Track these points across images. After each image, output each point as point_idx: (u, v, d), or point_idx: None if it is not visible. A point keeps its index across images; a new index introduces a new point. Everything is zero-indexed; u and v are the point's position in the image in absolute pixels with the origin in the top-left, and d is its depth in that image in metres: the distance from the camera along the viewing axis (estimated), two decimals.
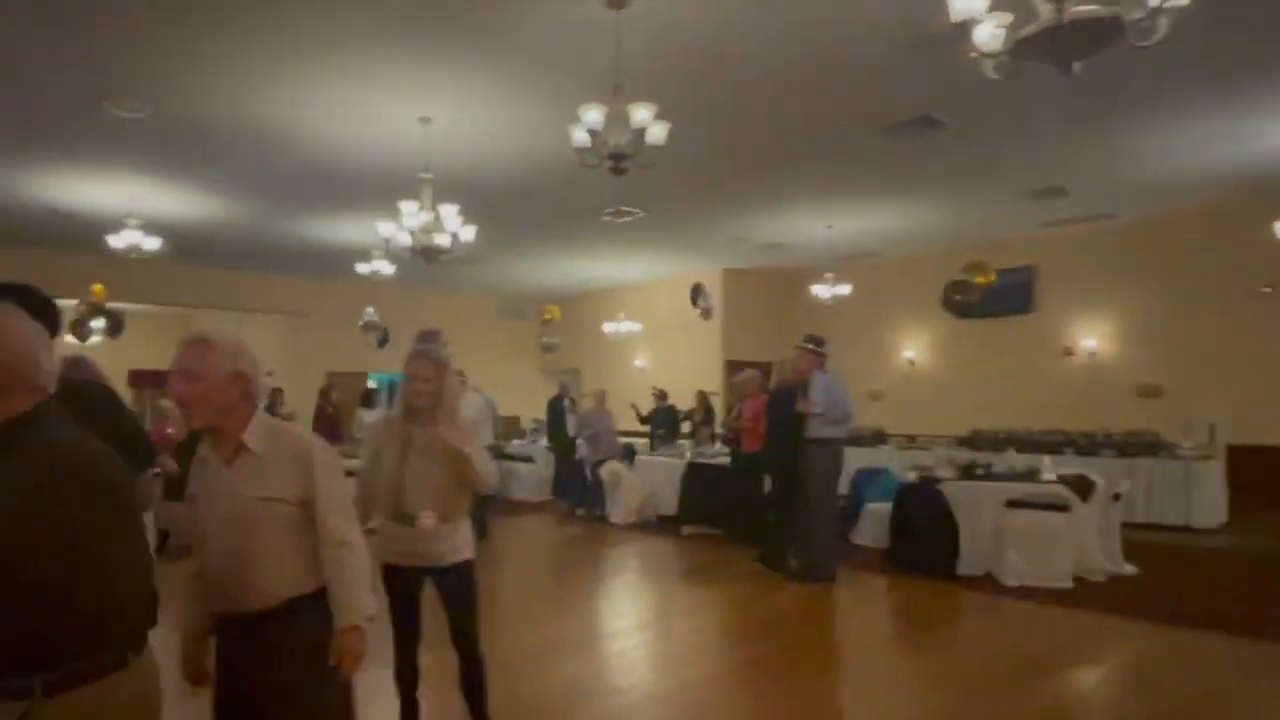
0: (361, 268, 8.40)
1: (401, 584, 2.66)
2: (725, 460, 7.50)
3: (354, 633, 1.85)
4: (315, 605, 1.85)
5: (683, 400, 10.50)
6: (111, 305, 9.40)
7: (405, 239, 6.12)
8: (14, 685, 1.34)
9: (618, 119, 4.25)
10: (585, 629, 4.74)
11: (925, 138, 6.10)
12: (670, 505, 8.06)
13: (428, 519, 2.55)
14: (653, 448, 9.45)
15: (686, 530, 7.70)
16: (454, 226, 6.09)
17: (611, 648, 4.33)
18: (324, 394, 10.85)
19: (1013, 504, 5.59)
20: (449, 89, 5.14)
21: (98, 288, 8.92)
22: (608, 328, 12.16)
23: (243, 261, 10.72)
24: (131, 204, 7.49)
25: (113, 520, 1.44)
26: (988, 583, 5.46)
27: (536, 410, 11.70)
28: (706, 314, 11.96)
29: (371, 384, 11.73)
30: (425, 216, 6.03)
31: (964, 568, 5.60)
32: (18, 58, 4.66)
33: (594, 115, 4.20)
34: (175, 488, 5.91)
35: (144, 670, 1.51)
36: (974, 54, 3.03)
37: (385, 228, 6.18)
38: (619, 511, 8.42)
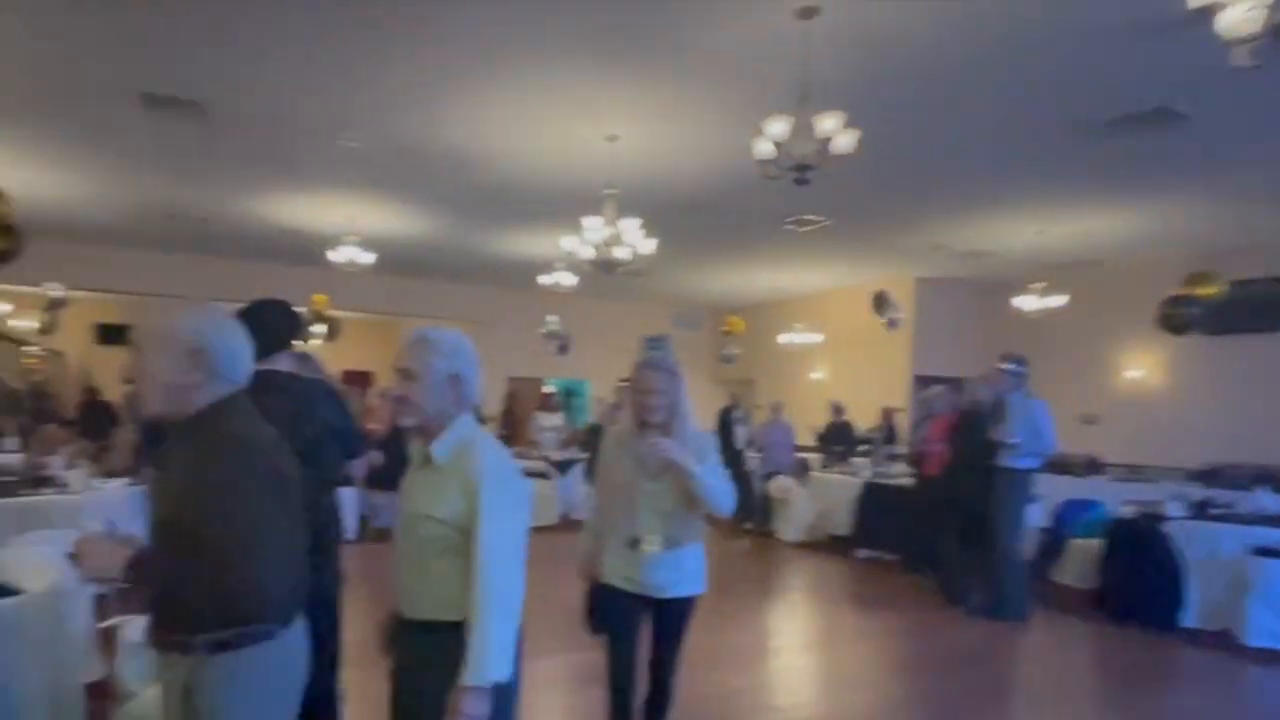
0: (543, 279, 8.96)
1: (622, 610, 2.54)
2: (907, 482, 7.20)
3: (470, 694, 1.65)
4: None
5: (864, 416, 10.16)
6: (330, 313, 10.71)
7: (587, 252, 6.48)
8: (184, 641, 1.62)
9: (803, 129, 4.26)
10: (747, 643, 4.74)
11: (1157, 132, 5.52)
12: (843, 525, 7.85)
13: (649, 544, 2.45)
14: (827, 464, 9.25)
15: (861, 553, 7.46)
16: (634, 240, 6.36)
17: (773, 665, 4.32)
18: (511, 398, 11.75)
19: (1262, 552, 4.91)
20: (637, 107, 5.39)
21: (320, 297, 10.20)
22: (784, 339, 12.04)
23: (438, 272, 11.79)
24: (349, 223, 8.51)
25: (272, 505, 1.64)
26: (1222, 640, 4.84)
27: (709, 422, 11.84)
28: (893, 324, 11.49)
29: (550, 388, 12.42)
30: (607, 231, 6.35)
31: (1190, 620, 5.02)
32: (274, 102, 5.49)
33: (779, 127, 4.24)
34: (377, 478, 6.66)
35: (290, 644, 1.72)
36: (1221, 41, 2.76)
37: (568, 242, 6.58)
38: (788, 528, 8.32)
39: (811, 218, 8.20)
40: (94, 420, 8.83)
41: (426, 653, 1.75)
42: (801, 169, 4.37)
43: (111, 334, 12.65)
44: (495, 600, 1.69)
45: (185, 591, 1.59)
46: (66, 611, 2.94)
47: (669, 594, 2.51)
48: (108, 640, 3.06)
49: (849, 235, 8.90)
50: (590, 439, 9.49)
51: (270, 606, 1.65)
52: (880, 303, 11.54)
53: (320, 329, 10.59)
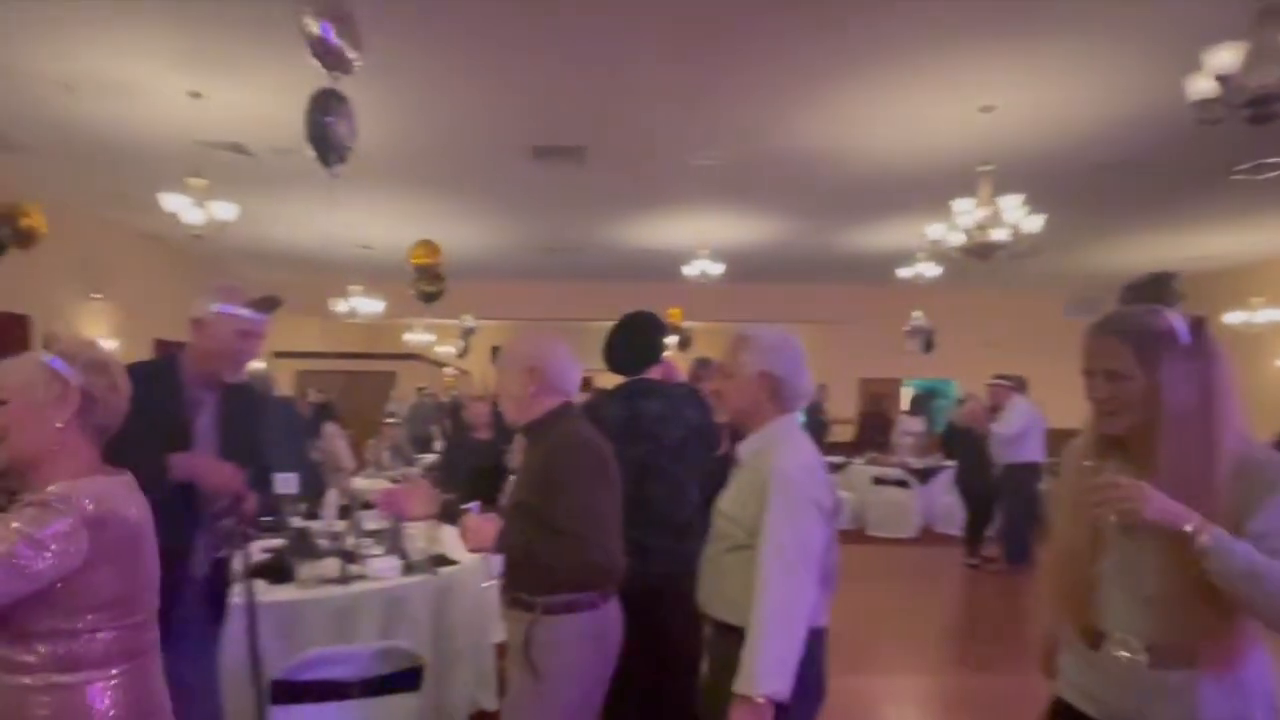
0: (902, 272, 8.53)
1: None
2: None
3: (741, 703, 1.61)
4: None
5: None
6: (684, 324, 11.43)
7: (957, 238, 5.99)
8: (526, 600, 2.01)
9: (1265, 52, 3.42)
10: None
11: None
12: None
13: (1122, 647, 1.45)
14: None
15: None
16: (1016, 218, 5.72)
17: None
18: (874, 400, 11.45)
19: None
20: (1014, 73, 4.85)
21: (675, 311, 10.94)
22: (1233, 318, 9.90)
23: (785, 276, 11.91)
24: (700, 237, 8.97)
25: (598, 494, 2.00)
26: None
27: None
28: None
29: (916, 390, 11.79)
30: (981, 212, 5.81)
31: None
32: (641, 135, 5.99)
33: (1226, 57, 3.47)
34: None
35: (608, 615, 2.06)
36: None
37: (934, 229, 6.15)
38: None
39: (1276, 160, 6.62)
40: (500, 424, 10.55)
41: (720, 653, 1.79)
42: (1261, 102, 3.53)
43: None
44: (770, 609, 1.64)
45: (528, 561, 1.98)
46: (481, 579, 3.37)
47: None
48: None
49: None
50: (948, 444, 8.78)
51: (595, 580, 2.00)
52: None
53: (672, 340, 11.36)
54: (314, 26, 2.93)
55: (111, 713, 1.43)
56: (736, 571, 1.74)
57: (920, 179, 6.89)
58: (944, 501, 8.52)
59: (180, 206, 5.77)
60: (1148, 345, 1.43)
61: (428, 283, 8.13)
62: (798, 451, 1.81)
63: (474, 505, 2.24)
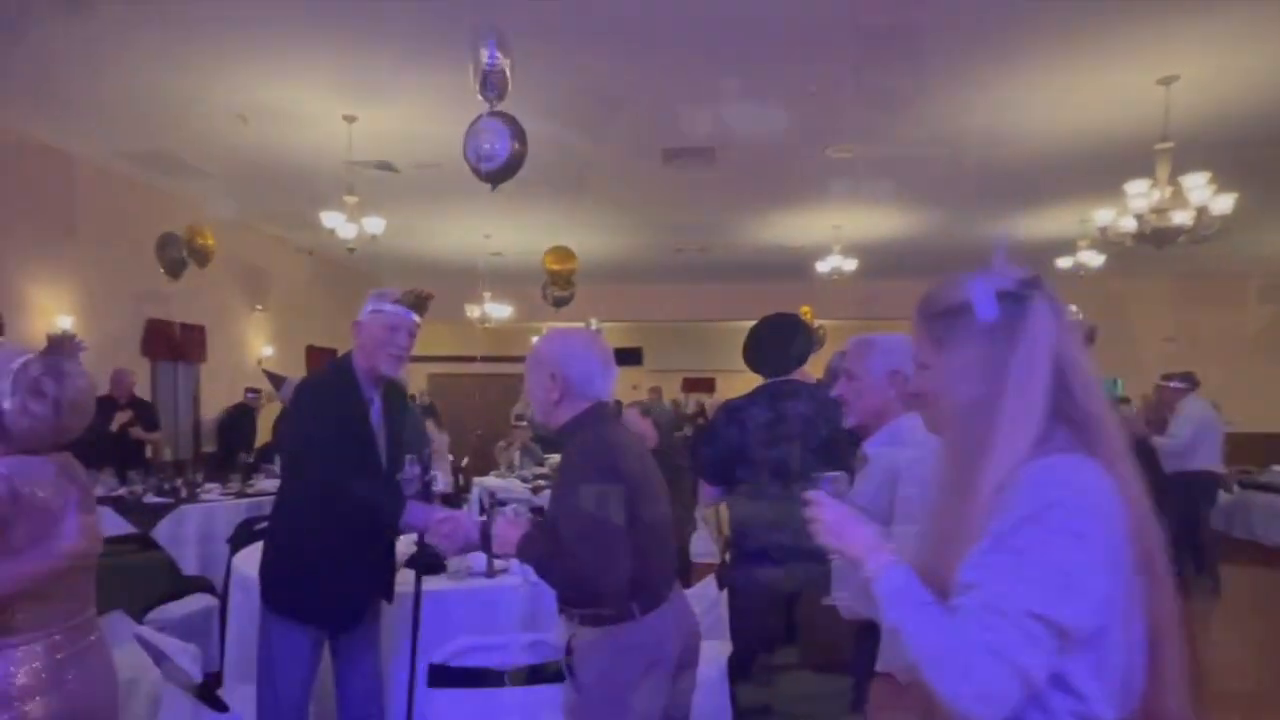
0: (1061, 262, 8.04)
1: None
2: None
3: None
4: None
5: None
6: (815, 323, 11.22)
7: (1128, 224, 5.60)
8: (565, 609, 2.01)
9: None
10: None
11: None
12: None
13: None
14: None
15: None
16: (1202, 198, 5.27)
17: None
18: None
19: None
20: (1197, 40, 4.48)
21: (805, 309, 10.75)
22: None
23: (920, 271, 11.43)
24: (835, 232, 8.79)
25: (603, 505, 1.88)
26: None
27: None
28: None
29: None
30: (1157, 194, 5.39)
31: None
32: (772, 130, 5.93)
33: None
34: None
35: (651, 626, 1.96)
36: None
37: (1103, 215, 5.78)
38: None
39: None
40: None
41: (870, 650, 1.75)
42: None
43: (628, 356, 15.30)
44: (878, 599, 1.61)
45: (542, 573, 1.98)
46: None
47: None
48: None
49: None
50: None
51: (609, 591, 1.89)
52: None
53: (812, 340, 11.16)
54: (484, 53, 3.08)
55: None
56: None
57: (1084, 161, 6.46)
58: None
59: (336, 222, 6.20)
60: (940, 327, 1.19)
61: (560, 287, 8.37)
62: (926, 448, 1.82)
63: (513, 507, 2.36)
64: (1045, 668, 0.97)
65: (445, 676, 2.33)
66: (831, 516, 1.25)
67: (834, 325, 13.60)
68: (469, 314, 10.74)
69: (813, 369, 3.08)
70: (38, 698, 1.73)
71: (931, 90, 5.22)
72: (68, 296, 6.40)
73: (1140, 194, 5.39)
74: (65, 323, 6.22)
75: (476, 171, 3.61)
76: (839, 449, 2.75)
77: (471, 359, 13.83)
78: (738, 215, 8.54)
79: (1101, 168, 6.32)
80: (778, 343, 2.90)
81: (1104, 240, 6.26)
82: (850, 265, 8.90)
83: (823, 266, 8.95)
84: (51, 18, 4.11)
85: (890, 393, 1.88)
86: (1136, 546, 1.03)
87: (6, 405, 1.75)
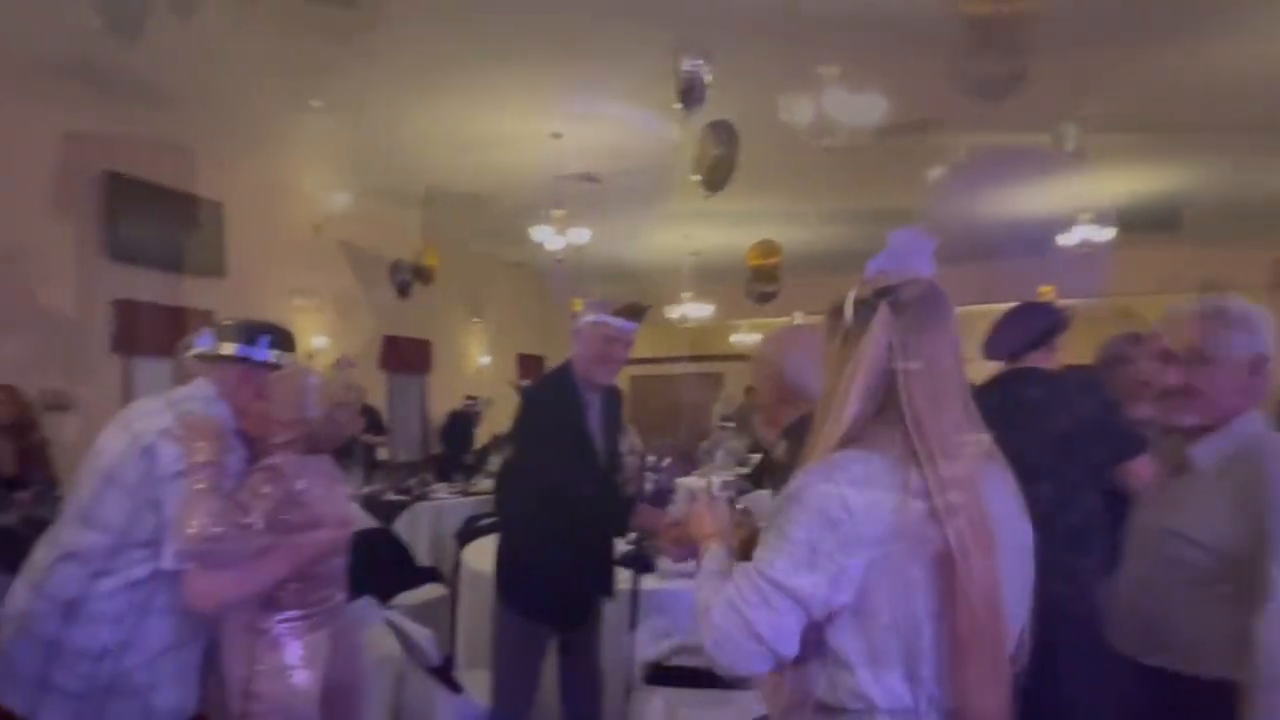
0: None
1: None
2: None
3: None
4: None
5: None
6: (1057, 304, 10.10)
7: None
8: None
9: None
10: None
11: None
12: None
13: None
14: None
15: None
16: None
17: None
18: None
19: None
20: None
21: (1045, 290, 9.69)
22: None
23: (1189, 236, 9.93)
24: (1080, 200, 7.81)
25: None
26: None
27: None
28: None
29: None
30: None
31: None
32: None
33: None
34: None
35: None
36: None
37: None
38: None
39: None
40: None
41: (1169, 704, 1.47)
42: None
43: None
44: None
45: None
46: None
47: None
48: None
49: None
50: None
51: None
52: None
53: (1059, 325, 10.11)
54: (688, 64, 3.10)
55: None
56: (1196, 610, 1.46)
57: None
58: None
59: (544, 235, 6.42)
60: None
61: (765, 283, 8.13)
62: None
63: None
64: (773, 627, 1.06)
65: (661, 674, 2.42)
66: (704, 511, 1.42)
67: (1080, 305, 12.23)
68: (668, 314, 10.76)
69: (1072, 355, 2.81)
70: (303, 669, 1.90)
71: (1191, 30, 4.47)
72: (320, 319, 7.15)
73: None
74: (319, 342, 6.95)
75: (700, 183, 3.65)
76: (1092, 445, 2.47)
77: (673, 359, 13.90)
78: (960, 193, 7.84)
79: None
80: (1012, 325, 2.75)
81: None
82: (1105, 234, 7.88)
83: (1068, 239, 8.01)
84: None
85: (1246, 383, 1.47)
86: (917, 547, 1.05)
87: (313, 414, 1.98)
